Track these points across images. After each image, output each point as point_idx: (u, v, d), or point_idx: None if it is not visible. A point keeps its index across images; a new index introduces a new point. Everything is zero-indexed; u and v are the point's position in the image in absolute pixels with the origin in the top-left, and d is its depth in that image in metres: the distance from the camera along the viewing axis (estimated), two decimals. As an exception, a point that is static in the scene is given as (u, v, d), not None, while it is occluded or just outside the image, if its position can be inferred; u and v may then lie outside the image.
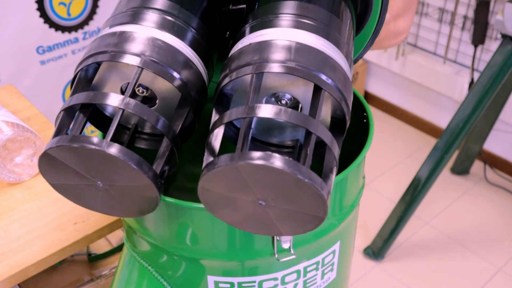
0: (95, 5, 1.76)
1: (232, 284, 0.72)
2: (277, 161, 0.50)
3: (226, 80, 0.57)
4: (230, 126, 0.63)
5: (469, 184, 2.22)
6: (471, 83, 2.11)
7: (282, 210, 0.55)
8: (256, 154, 0.50)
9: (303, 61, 0.55)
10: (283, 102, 0.59)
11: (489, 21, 2.01)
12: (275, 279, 0.72)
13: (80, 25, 1.76)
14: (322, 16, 0.61)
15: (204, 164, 0.55)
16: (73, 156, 0.55)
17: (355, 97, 0.81)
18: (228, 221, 0.59)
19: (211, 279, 0.72)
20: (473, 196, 2.17)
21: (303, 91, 0.58)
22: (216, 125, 0.56)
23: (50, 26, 1.69)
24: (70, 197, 0.62)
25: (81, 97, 0.57)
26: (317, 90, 0.55)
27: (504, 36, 1.60)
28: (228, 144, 0.63)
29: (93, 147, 0.53)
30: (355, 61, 0.76)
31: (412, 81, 2.46)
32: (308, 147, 0.53)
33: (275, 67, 0.54)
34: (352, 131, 0.85)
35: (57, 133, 0.57)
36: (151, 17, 0.61)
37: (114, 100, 0.55)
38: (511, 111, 2.11)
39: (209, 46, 0.65)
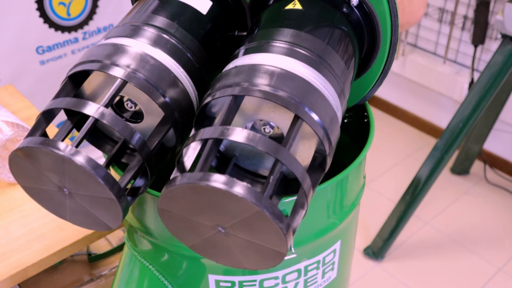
0: (95, 5, 1.76)
1: (233, 283, 0.72)
2: (237, 187, 0.48)
3: (208, 99, 0.56)
4: None
5: (469, 184, 2.22)
6: (471, 83, 2.10)
7: (242, 240, 0.52)
8: (216, 177, 0.48)
9: (285, 88, 0.53)
10: (267, 130, 0.57)
11: (489, 21, 2.01)
12: (276, 278, 0.72)
13: (80, 25, 1.76)
14: (317, 46, 0.59)
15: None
16: (42, 159, 0.54)
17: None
18: (190, 245, 0.57)
19: (212, 278, 0.72)
20: (473, 196, 2.17)
21: (288, 122, 0.56)
22: (188, 142, 0.55)
23: (50, 26, 1.69)
24: (40, 202, 0.61)
25: (61, 103, 0.56)
26: (296, 120, 0.53)
27: (504, 36, 1.60)
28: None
29: (58, 152, 0.52)
30: (364, 100, 0.74)
31: (412, 81, 2.46)
32: (272, 176, 0.51)
33: (253, 91, 0.53)
34: (353, 131, 0.85)
35: (29, 134, 0.57)
36: (146, 33, 0.61)
37: (90, 109, 0.54)
38: (511, 111, 2.11)
39: (204, 68, 0.64)
